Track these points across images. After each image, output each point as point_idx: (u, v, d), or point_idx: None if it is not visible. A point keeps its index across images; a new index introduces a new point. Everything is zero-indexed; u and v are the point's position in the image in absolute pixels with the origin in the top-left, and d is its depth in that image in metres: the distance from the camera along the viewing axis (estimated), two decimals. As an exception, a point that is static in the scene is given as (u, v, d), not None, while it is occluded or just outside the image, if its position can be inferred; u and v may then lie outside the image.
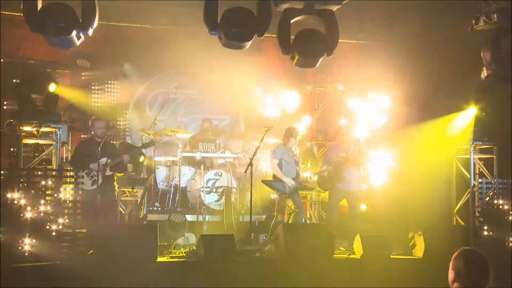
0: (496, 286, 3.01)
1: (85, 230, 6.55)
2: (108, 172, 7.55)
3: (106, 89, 9.72)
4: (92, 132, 7.89)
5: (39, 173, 6.43)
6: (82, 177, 7.29)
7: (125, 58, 9.98)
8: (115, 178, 7.97)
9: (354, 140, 8.15)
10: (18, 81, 8.18)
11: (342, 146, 8.11)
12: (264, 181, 8.29)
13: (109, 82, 9.78)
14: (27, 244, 5.98)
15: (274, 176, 7.99)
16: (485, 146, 8.26)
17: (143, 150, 8.31)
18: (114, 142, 8.72)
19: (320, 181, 8.14)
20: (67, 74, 9.51)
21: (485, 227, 7.50)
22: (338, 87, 10.14)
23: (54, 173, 6.57)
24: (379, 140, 9.39)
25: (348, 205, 8.02)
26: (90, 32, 5.93)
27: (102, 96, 9.65)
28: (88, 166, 7.43)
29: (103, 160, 7.44)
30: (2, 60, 8.39)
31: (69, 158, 8.80)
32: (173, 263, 6.40)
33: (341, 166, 7.89)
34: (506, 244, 7.33)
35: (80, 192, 6.64)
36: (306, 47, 6.26)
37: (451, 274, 3.05)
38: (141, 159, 8.53)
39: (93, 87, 9.63)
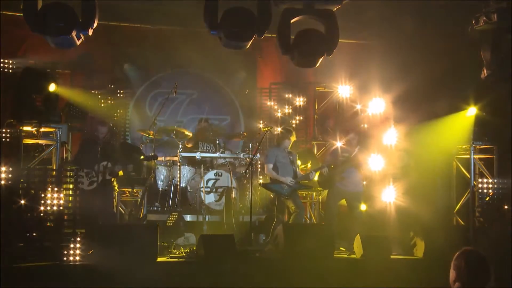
0: (496, 286, 3.01)
1: (83, 230, 6.56)
2: (108, 176, 7.55)
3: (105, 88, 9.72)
4: (95, 134, 7.92)
5: (39, 173, 6.43)
6: (83, 177, 7.30)
7: (125, 58, 9.98)
8: (114, 179, 7.94)
9: (359, 148, 8.12)
10: (18, 81, 8.18)
11: (345, 146, 8.09)
12: (262, 185, 8.27)
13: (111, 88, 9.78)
14: (27, 244, 5.97)
15: (271, 179, 7.94)
16: (485, 146, 8.25)
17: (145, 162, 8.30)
18: (115, 144, 8.56)
19: (320, 180, 8.13)
20: (67, 74, 9.51)
21: (485, 227, 7.50)
22: (338, 87, 10.13)
23: (54, 173, 6.57)
24: (379, 140, 9.39)
25: (347, 205, 8.01)
26: (90, 32, 5.94)
27: (102, 96, 9.63)
28: (91, 166, 7.42)
29: (104, 163, 7.43)
30: (2, 60, 8.39)
31: (69, 158, 8.80)
32: (173, 263, 6.40)
33: (342, 166, 7.88)
34: (506, 244, 7.32)
35: (77, 192, 6.63)
36: (306, 47, 6.26)
37: (452, 274, 3.06)
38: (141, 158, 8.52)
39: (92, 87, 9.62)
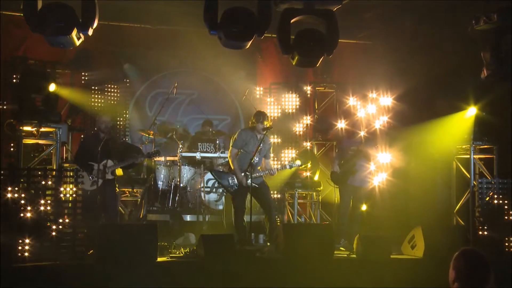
0: (496, 286, 3.01)
1: (85, 230, 6.56)
2: (110, 176, 7.49)
3: (106, 89, 9.71)
4: (96, 128, 7.89)
5: (39, 173, 6.43)
6: (82, 176, 7.28)
7: (125, 58, 9.98)
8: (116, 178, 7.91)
9: (365, 134, 8.16)
10: (18, 81, 8.18)
11: (353, 140, 8.14)
12: (211, 171, 8.08)
13: (109, 82, 9.77)
14: (27, 244, 5.97)
15: (229, 167, 7.55)
16: (485, 146, 8.25)
17: (141, 159, 8.23)
18: (116, 141, 8.39)
19: (334, 178, 8.13)
20: (67, 74, 9.51)
21: (485, 227, 7.49)
22: (338, 87, 10.13)
23: (54, 173, 6.57)
24: (379, 140, 9.39)
25: (352, 203, 8.01)
26: (90, 32, 5.94)
27: (102, 96, 9.63)
28: (91, 167, 7.39)
29: (108, 162, 7.40)
30: (2, 60, 8.39)
31: (69, 158, 8.80)
32: (173, 263, 6.39)
33: (353, 158, 7.91)
34: (506, 244, 7.32)
35: (80, 192, 6.63)
36: (306, 47, 6.26)
37: (451, 274, 3.05)
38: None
39: (93, 87, 9.61)
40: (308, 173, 9.56)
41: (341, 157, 8.10)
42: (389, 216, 8.68)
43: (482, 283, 2.98)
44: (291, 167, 7.74)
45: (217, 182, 8.01)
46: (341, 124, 9.52)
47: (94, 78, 9.56)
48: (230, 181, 7.41)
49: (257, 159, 7.41)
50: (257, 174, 7.37)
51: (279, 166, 7.84)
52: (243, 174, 7.23)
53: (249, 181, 7.15)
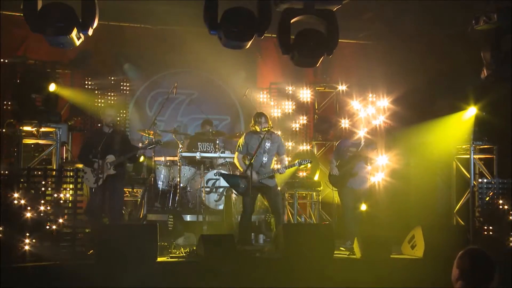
0: (499, 286, 3.01)
1: (87, 230, 6.55)
2: (111, 171, 7.38)
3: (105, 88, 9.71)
4: (101, 124, 7.85)
5: (39, 173, 6.43)
6: (85, 172, 7.23)
7: (125, 58, 9.98)
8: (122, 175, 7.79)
9: (365, 135, 8.15)
10: (18, 81, 8.19)
11: (352, 141, 8.11)
12: (220, 174, 8.15)
13: (110, 81, 9.77)
14: (27, 244, 5.98)
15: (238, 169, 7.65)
16: (485, 146, 8.26)
17: (142, 151, 8.15)
18: (117, 136, 7.90)
19: (332, 180, 8.11)
20: (67, 74, 9.51)
21: (485, 227, 7.49)
22: (338, 87, 10.14)
23: (54, 173, 6.57)
24: (379, 141, 9.40)
25: (352, 204, 8.00)
26: (90, 32, 5.93)
27: (102, 96, 9.63)
28: (92, 163, 7.31)
29: (110, 157, 7.34)
30: (2, 60, 8.39)
31: (69, 158, 8.80)
32: (173, 263, 6.39)
33: (352, 161, 7.89)
34: (506, 244, 7.32)
35: (87, 190, 6.60)
36: (306, 47, 6.24)
37: (455, 272, 3.04)
38: (141, 158, 8.50)
39: (93, 88, 9.61)
40: (305, 173, 9.55)
41: (339, 157, 8.07)
42: (389, 216, 8.69)
43: (486, 282, 2.97)
44: (300, 164, 7.71)
45: (226, 183, 8.02)
46: (341, 124, 9.53)
47: (98, 83, 9.56)
48: (241, 184, 7.40)
49: (266, 159, 7.49)
50: (265, 175, 7.44)
51: (287, 164, 7.82)
52: (254, 173, 7.29)
53: (259, 180, 7.32)
